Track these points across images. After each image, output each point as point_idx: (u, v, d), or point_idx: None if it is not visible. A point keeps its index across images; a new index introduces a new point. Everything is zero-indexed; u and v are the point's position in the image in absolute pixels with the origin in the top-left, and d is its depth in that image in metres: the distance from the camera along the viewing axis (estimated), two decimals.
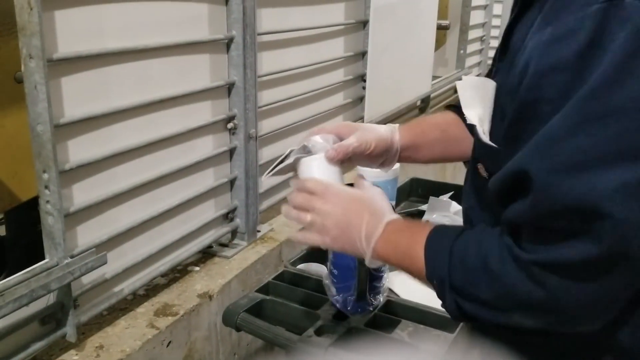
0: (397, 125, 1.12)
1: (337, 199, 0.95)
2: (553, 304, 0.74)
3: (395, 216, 0.95)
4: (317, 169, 1.01)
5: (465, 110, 0.88)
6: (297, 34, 1.90)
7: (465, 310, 0.82)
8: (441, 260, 0.84)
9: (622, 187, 0.66)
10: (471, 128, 1.13)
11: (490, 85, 0.85)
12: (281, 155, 1.02)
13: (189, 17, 1.45)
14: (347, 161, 1.05)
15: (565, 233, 0.70)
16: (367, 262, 0.96)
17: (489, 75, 1.06)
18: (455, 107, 1.16)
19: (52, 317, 1.19)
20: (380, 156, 1.09)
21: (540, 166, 0.70)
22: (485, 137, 0.85)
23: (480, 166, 0.90)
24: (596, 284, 0.71)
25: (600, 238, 0.67)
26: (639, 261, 0.69)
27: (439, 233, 0.88)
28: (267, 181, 1.04)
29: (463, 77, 0.89)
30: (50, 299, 1.17)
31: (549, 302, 0.74)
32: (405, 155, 1.12)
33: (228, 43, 1.57)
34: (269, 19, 1.74)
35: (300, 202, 0.97)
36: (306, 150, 1.01)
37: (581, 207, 0.67)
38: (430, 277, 0.86)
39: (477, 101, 0.86)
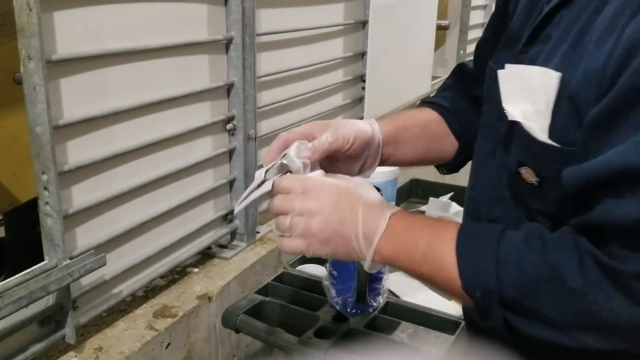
0: (372, 119, 0.98)
1: (322, 192, 0.78)
2: None
3: (397, 209, 0.80)
4: None
5: (505, 105, 0.77)
6: (296, 34, 1.89)
7: (516, 329, 0.71)
8: (486, 268, 0.70)
9: None
10: (459, 128, 1.05)
11: (554, 75, 0.71)
12: (256, 181, 0.85)
13: (188, 17, 1.45)
14: (326, 166, 0.89)
15: None
16: (366, 267, 0.79)
17: (482, 70, 0.98)
18: (432, 104, 1.08)
19: (51, 319, 1.18)
20: (360, 155, 0.92)
21: None
22: (542, 135, 0.73)
23: (526, 170, 0.77)
24: None
25: None
26: None
27: (473, 233, 0.75)
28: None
29: (506, 65, 0.78)
30: (49, 300, 1.16)
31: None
32: (387, 152, 0.96)
33: (227, 44, 1.57)
34: (268, 20, 1.73)
35: (279, 206, 0.79)
36: (284, 170, 0.84)
37: None
38: (470, 289, 0.72)
39: (523, 94, 0.74)
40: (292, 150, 0.83)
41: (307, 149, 0.83)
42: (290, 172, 0.83)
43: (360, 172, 0.95)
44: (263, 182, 0.83)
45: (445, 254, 0.73)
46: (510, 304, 0.69)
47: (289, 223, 0.78)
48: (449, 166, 1.10)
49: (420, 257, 0.75)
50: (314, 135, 0.87)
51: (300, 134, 0.87)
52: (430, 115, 1.06)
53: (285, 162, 0.83)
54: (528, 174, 0.77)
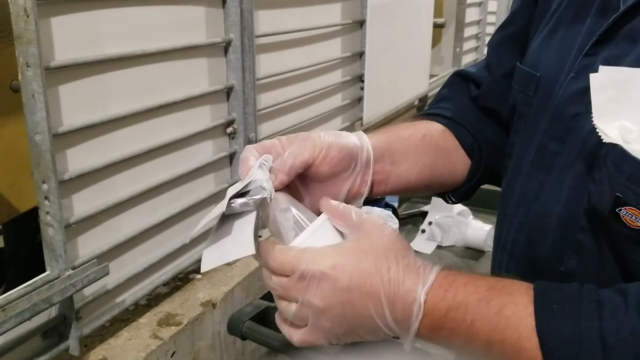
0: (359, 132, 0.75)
1: (324, 282, 0.58)
2: None
3: (432, 276, 0.59)
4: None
5: (598, 121, 0.58)
6: (294, 35, 1.88)
7: None
8: (587, 357, 0.52)
9: None
10: (472, 141, 0.84)
11: None
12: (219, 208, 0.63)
13: (186, 20, 1.43)
14: (302, 193, 0.70)
15: None
16: (407, 348, 0.62)
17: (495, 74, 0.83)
18: (430, 115, 0.87)
19: (55, 331, 1.16)
20: (344, 170, 0.70)
21: None
22: None
23: (629, 211, 0.57)
24: None
25: None
26: None
27: (557, 301, 0.55)
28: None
29: (600, 67, 0.59)
30: (52, 312, 1.14)
31: None
32: (382, 169, 0.74)
33: (226, 46, 1.55)
34: (265, 21, 1.71)
35: (275, 290, 0.62)
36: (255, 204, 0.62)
37: None
38: None
39: (626, 108, 0.57)
40: (257, 174, 0.63)
41: (272, 173, 0.64)
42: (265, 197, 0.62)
43: (349, 199, 0.72)
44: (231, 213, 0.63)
45: (521, 339, 0.54)
46: None
47: (294, 312, 0.61)
48: (459, 192, 0.87)
49: (484, 344, 0.57)
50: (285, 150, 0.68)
51: (269, 147, 0.68)
52: (429, 126, 0.84)
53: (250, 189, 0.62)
54: (633, 217, 0.57)
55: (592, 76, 0.59)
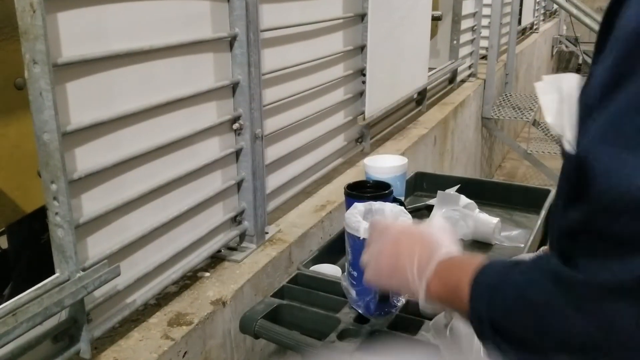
0: None
1: (387, 235, 0.90)
2: (602, 338, 0.58)
3: (452, 249, 0.82)
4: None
5: (548, 118, 0.71)
6: (297, 29, 1.85)
7: (505, 353, 0.68)
8: (482, 297, 0.71)
9: None
10: None
11: (572, 80, 0.69)
12: None
13: (191, 15, 1.40)
14: None
15: (628, 241, 0.55)
16: (420, 304, 0.86)
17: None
18: None
19: (65, 334, 1.14)
20: None
21: (600, 149, 0.57)
22: (568, 148, 0.67)
23: None
24: None
25: None
26: None
27: (488, 267, 0.74)
28: None
29: (544, 77, 0.73)
30: (62, 315, 1.12)
31: (598, 337, 0.58)
32: None
33: (231, 41, 1.52)
34: (268, 15, 1.69)
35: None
36: None
37: None
38: (472, 318, 0.72)
39: (564, 106, 0.69)
40: None
41: None
42: None
43: None
44: None
45: (464, 288, 0.73)
46: (495, 329, 0.68)
47: (366, 260, 0.94)
48: None
49: (451, 293, 0.77)
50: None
51: None
52: None
53: None
54: None
55: (537, 84, 0.72)
